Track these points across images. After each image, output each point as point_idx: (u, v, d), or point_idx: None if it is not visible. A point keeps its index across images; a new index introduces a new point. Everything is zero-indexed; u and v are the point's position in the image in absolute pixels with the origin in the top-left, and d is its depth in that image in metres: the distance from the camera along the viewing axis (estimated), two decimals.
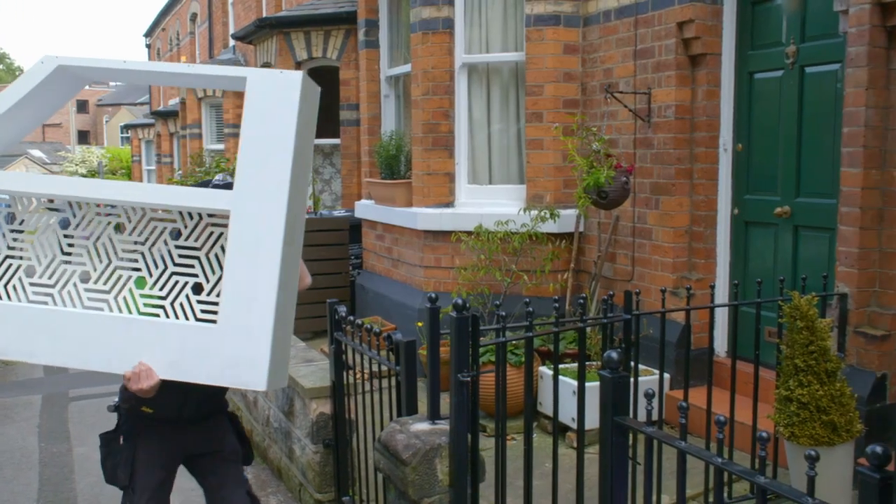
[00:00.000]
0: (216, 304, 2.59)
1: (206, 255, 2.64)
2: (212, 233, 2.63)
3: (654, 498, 3.48)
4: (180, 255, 2.65)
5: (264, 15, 13.94)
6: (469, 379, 3.19)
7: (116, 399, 3.33)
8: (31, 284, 2.70)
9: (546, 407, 5.41)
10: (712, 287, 4.34)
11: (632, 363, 3.93)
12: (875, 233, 4.37)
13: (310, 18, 10.34)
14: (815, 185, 4.93)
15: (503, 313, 3.46)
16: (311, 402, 4.79)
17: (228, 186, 2.85)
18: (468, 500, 3.26)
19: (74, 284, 2.70)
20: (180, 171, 17.81)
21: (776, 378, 3.94)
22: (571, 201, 6.35)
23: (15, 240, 2.74)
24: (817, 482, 3.58)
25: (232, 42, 16.29)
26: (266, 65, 11.40)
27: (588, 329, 5.01)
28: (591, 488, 3.72)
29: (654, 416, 4.62)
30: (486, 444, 4.18)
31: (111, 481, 3.34)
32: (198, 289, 2.68)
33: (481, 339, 3.35)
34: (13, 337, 2.64)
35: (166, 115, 21.83)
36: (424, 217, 6.93)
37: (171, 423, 3.27)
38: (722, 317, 5.39)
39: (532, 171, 6.62)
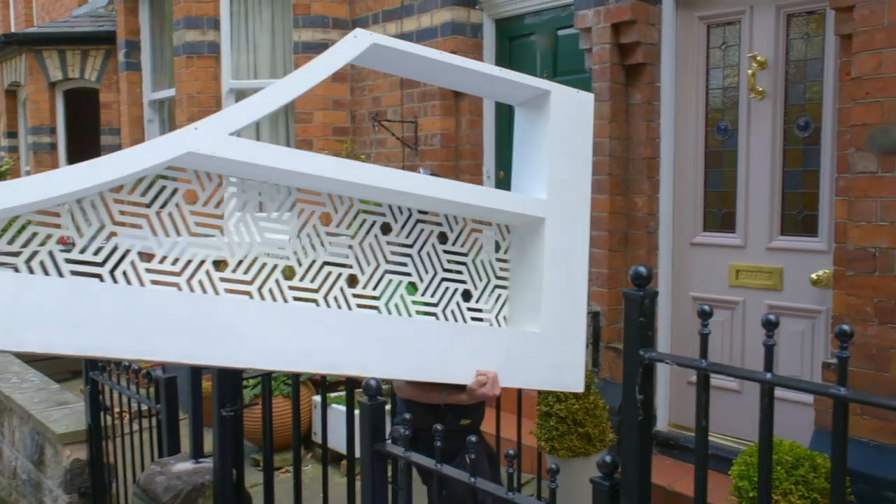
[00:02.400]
0: (481, 311, 2.65)
1: (473, 261, 2.66)
2: (476, 239, 2.67)
3: None
4: (449, 261, 2.62)
5: (12, 30, 12.91)
6: (232, 413, 3.08)
7: (398, 419, 2.88)
8: (355, 296, 2.43)
9: (321, 436, 5.33)
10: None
11: None
12: (622, 254, 4.72)
13: (65, 36, 9.68)
14: None
15: None
16: (64, 448, 4.42)
17: None
18: None
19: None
20: None
21: (538, 395, 4.13)
22: None
23: (331, 243, 2.46)
24: (576, 490, 3.80)
25: None
26: (15, 84, 10.55)
27: None
28: None
29: None
30: (258, 479, 4.04)
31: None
32: (464, 296, 2.66)
33: (246, 370, 3.25)
34: (342, 349, 2.34)
35: None
36: None
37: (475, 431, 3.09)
38: None
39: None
